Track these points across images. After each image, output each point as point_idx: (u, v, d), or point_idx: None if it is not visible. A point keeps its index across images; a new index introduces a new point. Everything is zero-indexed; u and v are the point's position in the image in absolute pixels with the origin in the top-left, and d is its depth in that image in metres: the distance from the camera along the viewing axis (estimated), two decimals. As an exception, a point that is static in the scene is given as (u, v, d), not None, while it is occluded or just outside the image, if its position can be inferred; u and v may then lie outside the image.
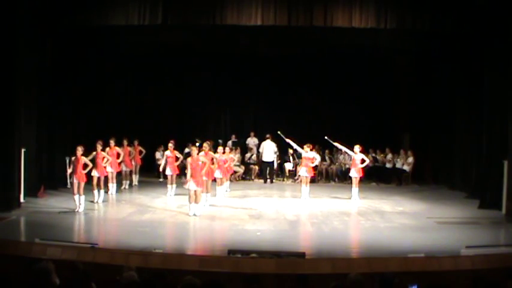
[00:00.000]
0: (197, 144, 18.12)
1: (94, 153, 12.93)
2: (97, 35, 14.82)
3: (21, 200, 12.19)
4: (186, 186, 11.78)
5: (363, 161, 14.38)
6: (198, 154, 12.14)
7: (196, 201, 11.73)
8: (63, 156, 14.69)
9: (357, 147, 14.45)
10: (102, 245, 8.71)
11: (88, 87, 16.03)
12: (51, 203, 12.83)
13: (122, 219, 11.49)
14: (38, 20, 13.01)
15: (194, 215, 11.61)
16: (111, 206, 13.26)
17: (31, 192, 13.04)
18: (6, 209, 11.35)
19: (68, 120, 15.12)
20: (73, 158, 12.02)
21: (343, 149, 15.79)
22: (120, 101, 18.65)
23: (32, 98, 13.23)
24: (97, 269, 6.40)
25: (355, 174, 14.34)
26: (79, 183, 11.86)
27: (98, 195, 12.95)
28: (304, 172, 14.41)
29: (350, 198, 14.16)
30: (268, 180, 17.64)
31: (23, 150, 12.31)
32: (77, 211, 11.73)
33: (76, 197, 11.83)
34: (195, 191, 11.69)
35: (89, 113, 16.32)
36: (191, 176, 11.73)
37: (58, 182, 14.67)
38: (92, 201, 12.80)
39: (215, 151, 17.97)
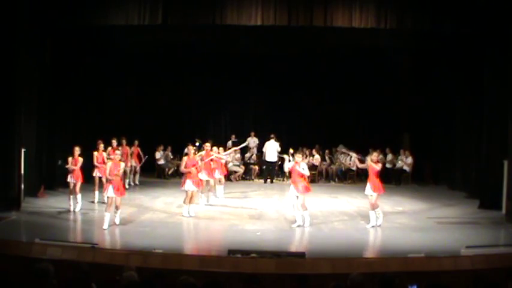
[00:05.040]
0: (197, 144, 18.17)
1: (96, 153, 12.90)
2: (97, 35, 14.82)
3: (21, 200, 12.19)
4: (183, 188, 11.74)
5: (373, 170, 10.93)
6: (197, 154, 12.14)
7: (192, 202, 11.74)
8: (63, 156, 14.70)
9: (374, 155, 11.28)
10: (102, 245, 8.71)
11: (88, 87, 16.01)
12: (51, 203, 12.82)
13: (122, 219, 11.47)
14: (38, 20, 12.99)
15: (189, 215, 11.62)
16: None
17: (31, 192, 13.05)
18: (6, 209, 11.36)
19: (68, 120, 15.11)
20: (70, 159, 12.00)
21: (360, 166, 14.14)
22: (119, 101, 18.64)
23: (32, 98, 13.22)
24: (97, 269, 6.40)
25: (371, 191, 10.76)
26: (75, 183, 11.88)
27: (99, 196, 12.91)
28: (293, 190, 10.83)
29: (369, 225, 10.87)
30: (268, 180, 17.64)
31: (23, 150, 12.30)
32: (72, 211, 11.75)
33: (72, 196, 11.85)
34: (193, 191, 11.71)
35: (89, 113, 16.31)
36: (188, 176, 11.72)
37: (58, 182, 14.65)
38: (92, 202, 12.79)
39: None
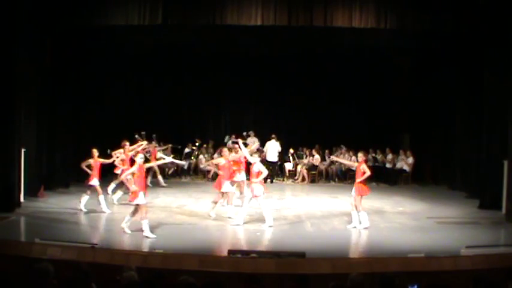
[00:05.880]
0: (197, 144, 18.18)
1: (122, 154, 12.78)
2: (97, 35, 14.82)
3: (21, 200, 12.19)
4: (223, 189, 11.63)
5: (363, 173, 10.85)
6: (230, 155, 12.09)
7: (230, 203, 11.76)
8: (63, 156, 14.74)
9: (359, 156, 11.22)
10: (102, 245, 8.70)
11: (88, 87, 16.03)
12: (51, 203, 12.82)
13: (122, 219, 11.46)
14: (38, 20, 13.00)
15: (229, 217, 11.51)
16: (111, 206, 13.23)
17: (31, 192, 13.04)
18: (6, 209, 11.36)
19: (68, 120, 15.12)
20: (91, 161, 11.91)
21: (346, 163, 14.76)
22: (119, 101, 18.64)
23: (32, 98, 13.22)
24: (97, 269, 6.39)
25: (353, 192, 10.92)
26: (99, 185, 11.88)
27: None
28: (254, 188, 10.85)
29: (354, 226, 10.87)
30: (268, 180, 17.62)
31: (23, 150, 12.30)
32: (103, 211, 11.82)
33: (101, 197, 11.87)
34: (229, 192, 11.78)
35: (89, 113, 16.32)
36: (224, 177, 11.65)
37: (58, 182, 14.66)
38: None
39: (214, 151, 18.00)
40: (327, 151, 18.58)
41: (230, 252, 8.15)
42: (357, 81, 19.57)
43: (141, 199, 9.83)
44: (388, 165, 17.88)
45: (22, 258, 7.32)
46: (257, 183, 10.79)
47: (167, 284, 5.31)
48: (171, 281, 5.30)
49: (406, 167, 17.62)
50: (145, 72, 19.50)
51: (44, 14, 13.11)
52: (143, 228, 9.78)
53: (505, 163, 11.99)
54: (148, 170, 13.88)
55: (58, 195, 13.85)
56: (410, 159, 17.54)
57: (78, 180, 15.49)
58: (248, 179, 11.97)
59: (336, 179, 18.10)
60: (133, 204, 9.97)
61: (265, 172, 11.02)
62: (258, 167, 10.91)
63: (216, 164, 12.01)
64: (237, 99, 20.49)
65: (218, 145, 17.46)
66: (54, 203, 12.74)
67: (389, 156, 17.88)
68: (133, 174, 9.95)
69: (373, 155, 18.58)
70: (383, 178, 17.75)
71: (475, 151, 14.29)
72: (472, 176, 14.56)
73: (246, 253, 8.04)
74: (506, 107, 12.09)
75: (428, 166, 18.03)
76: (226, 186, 11.64)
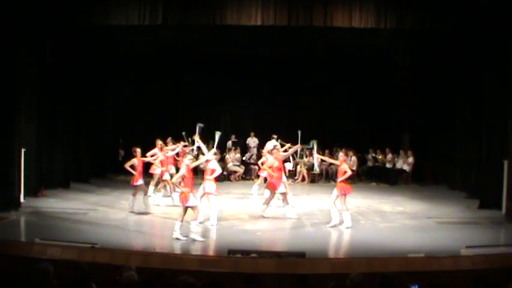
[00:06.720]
0: (196, 145, 18.10)
1: (161, 154, 12.79)
2: (97, 35, 14.82)
3: (21, 200, 12.18)
4: (278, 191, 11.75)
5: (344, 173, 10.94)
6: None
7: (286, 202, 11.85)
8: (63, 156, 14.74)
9: (340, 155, 11.37)
10: (102, 245, 8.70)
11: (88, 87, 16.03)
12: (51, 203, 12.81)
13: (122, 219, 11.49)
14: (38, 20, 13.00)
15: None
16: (111, 206, 13.25)
17: (31, 192, 13.03)
18: (6, 209, 11.35)
19: (68, 120, 15.12)
20: (135, 160, 11.86)
21: (330, 161, 14.42)
22: (119, 101, 18.64)
23: (32, 98, 13.22)
24: (97, 269, 6.40)
25: (335, 191, 11.02)
26: (144, 184, 11.91)
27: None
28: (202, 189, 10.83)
29: (333, 225, 10.84)
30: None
31: (23, 150, 12.29)
32: (149, 212, 11.83)
33: (146, 198, 11.91)
34: (285, 192, 11.89)
35: (89, 112, 16.32)
36: (280, 178, 11.79)
37: (58, 182, 14.66)
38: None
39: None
40: (327, 151, 18.56)
41: (230, 252, 8.15)
42: (356, 81, 19.57)
43: (192, 201, 9.66)
44: (388, 165, 17.88)
45: (22, 258, 7.32)
46: (210, 181, 10.71)
47: (167, 284, 5.32)
48: (171, 281, 5.30)
49: (406, 167, 17.62)
50: (145, 72, 19.49)
51: (44, 14, 13.11)
52: (192, 230, 9.50)
53: (505, 163, 11.98)
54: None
55: (58, 195, 13.84)
56: (411, 159, 17.55)
57: (77, 180, 15.55)
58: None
59: (336, 179, 18.05)
60: (184, 207, 9.70)
61: (218, 170, 11.00)
62: (212, 164, 10.83)
63: (270, 167, 12.03)
64: (237, 99, 20.48)
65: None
66: (54, 203, 12.73)
67: (389, 156, 17.88)
68: (183, 177, 9.75)
69: (373, 155, 18.59)
70: (383, 178, 17.76)
71: (475, 151, 14.28)
72: (472, 176, 14.55)
73: (246, 253, 8.04)
74: (506, 107, 12.08)
75: (428, 166, 18.03)
76: (281, 187, 11.77)
